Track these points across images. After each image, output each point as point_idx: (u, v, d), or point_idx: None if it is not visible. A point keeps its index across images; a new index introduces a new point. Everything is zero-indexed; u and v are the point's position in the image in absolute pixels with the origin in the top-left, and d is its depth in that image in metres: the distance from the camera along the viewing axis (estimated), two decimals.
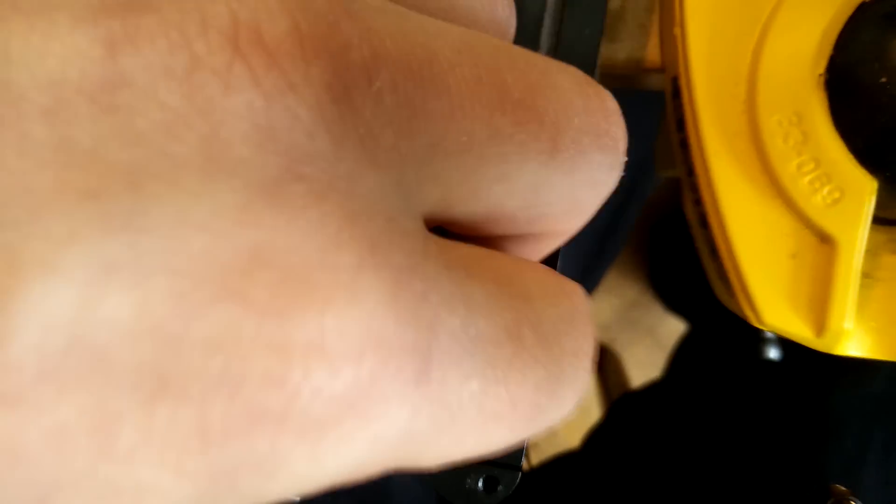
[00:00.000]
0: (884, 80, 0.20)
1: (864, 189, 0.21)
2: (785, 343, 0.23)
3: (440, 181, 0.09)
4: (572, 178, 0.10)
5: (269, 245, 0.07)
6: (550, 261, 0.23)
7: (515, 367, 0.09)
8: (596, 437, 0.55)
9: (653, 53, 0.25)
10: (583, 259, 0.50)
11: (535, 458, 0.58)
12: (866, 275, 0.22)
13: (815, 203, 0.21)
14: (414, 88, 0.08)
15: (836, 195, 0.21)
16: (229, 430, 0.07)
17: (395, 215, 0.08)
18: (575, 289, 0.11)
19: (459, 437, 0.09)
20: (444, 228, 0.11)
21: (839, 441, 0.39)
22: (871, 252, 0.22)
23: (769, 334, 0.38)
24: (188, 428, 0.07)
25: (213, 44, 0.07)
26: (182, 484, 0.07)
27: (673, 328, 0.97)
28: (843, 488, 0.33)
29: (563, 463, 0.54)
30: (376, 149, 0.08)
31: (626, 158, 0.11)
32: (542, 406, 0.09)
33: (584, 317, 0.10)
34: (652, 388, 0.56)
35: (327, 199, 0.07)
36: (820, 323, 0.21)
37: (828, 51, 0.21)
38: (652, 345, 0.99)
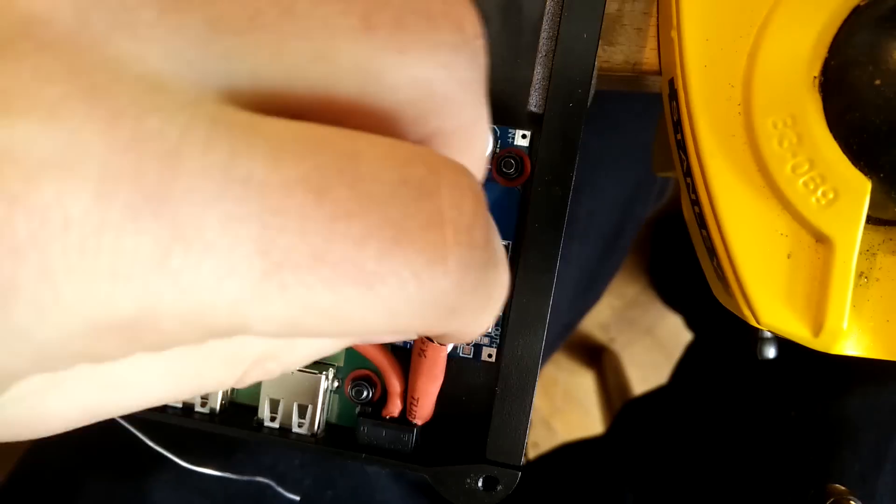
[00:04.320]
0: (878, 82, 0.20)
1: (859, 190, 0.21)
2: (796, 346, 0.23)
3: (235, 59, 0.09)
4: (408, 59, 0.10)
5: None
6: (546, 265, 0.23)
7: (318, 221, 0.08)
8: (596, 438, 0.55)
9: (650, 56, 0.25)
10: (586, 263, 0.50)
11: (533, 454, 0.58)
12: (862, 274, 0.23)
13: (811, 204, 0.21)
14: None
15: (831, 196, 0.21)
16: None
17: (150, 76, 0.09)
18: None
19: (228, 290, 0.08)
20: None
21: (855, 448, 0.38)
22: (867, 252, 0.23)
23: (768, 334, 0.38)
24: None
25: None
26: None
27: (672, 328, 0.97)
28: (842, 487, 0.32)
29: (559, 457, 0.54)
30: (135, 22, 0.09)
31: (480, 39, 0.10)
32: (365, 269, 0.09)
33: (434, 189, 0.09)
34: (654, 390, 0.56)
35: (49, 51, 0.08)
36: (817, 322, 0.22)
37: (823, 53, 0.21)
38: (651, 345, 0.99)
